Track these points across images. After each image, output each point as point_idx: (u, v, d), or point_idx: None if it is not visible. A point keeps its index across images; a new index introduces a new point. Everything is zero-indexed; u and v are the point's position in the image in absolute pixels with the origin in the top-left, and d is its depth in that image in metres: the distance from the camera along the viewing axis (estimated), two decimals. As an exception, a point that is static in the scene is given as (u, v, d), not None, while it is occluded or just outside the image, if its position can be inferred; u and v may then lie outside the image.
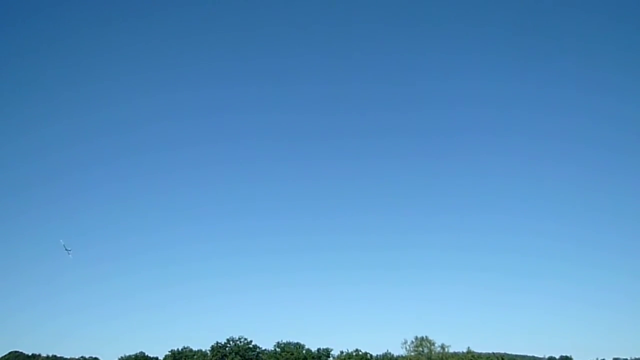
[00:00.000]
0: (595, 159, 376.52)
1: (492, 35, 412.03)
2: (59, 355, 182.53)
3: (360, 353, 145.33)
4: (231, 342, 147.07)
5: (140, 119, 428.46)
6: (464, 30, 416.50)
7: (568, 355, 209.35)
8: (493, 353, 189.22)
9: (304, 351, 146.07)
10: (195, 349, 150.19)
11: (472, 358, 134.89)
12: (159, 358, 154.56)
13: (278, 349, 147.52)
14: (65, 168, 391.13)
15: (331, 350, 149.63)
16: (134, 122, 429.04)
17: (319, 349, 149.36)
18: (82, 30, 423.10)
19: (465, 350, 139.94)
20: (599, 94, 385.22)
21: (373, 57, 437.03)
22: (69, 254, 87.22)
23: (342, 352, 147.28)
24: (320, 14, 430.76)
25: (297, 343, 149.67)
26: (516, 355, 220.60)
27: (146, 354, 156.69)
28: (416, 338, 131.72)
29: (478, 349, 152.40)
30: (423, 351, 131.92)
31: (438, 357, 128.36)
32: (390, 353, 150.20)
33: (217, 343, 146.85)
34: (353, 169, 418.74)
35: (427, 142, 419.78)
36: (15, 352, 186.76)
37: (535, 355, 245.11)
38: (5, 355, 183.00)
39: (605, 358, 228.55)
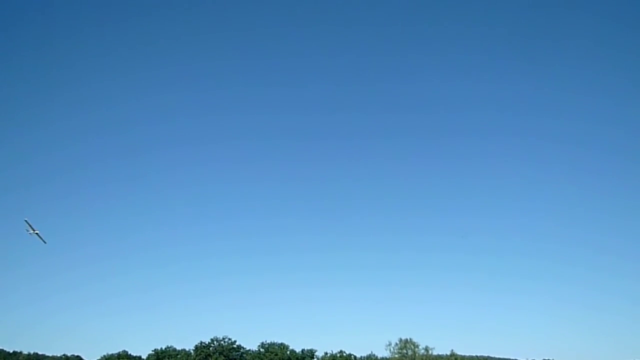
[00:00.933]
0: (596, 161, 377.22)
1: (494, 37, 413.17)
2: (40, 353, 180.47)
3: (344, 354, 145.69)
4: (215, 342, 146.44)
5: (139, 118, 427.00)
6: (467, 31, 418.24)
7: (551, 359, 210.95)
8: (477, 356, 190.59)
9: (288, 352, 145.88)
10: (178, 348, 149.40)
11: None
12: (142, 357, 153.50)
13: (262, 349, 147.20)
14: (61, 167, 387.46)
15: (315, 351, 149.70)
16: (133, 122, 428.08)
17: (303, 350, 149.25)
18: (83, 30, 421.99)
19: (448, 353, 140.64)
20: (601, 96, 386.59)
21: (374, 58, 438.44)
22: (31, 234, 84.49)
23: (326, 353, 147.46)
24: (321, 14, 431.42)
25: (282, 343, 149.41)
26: (500, 359, 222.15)
27: (129, 352, 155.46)
28: (400, 340, 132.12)
29: (462, 351, 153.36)
30: (407, 353, 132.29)
31: (422, 359, 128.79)
32: (374, 355, 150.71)
33: (201, 343, 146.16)
34: (340, 170, 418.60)
35: (428, 144, 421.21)
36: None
37: (518, 359, 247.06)
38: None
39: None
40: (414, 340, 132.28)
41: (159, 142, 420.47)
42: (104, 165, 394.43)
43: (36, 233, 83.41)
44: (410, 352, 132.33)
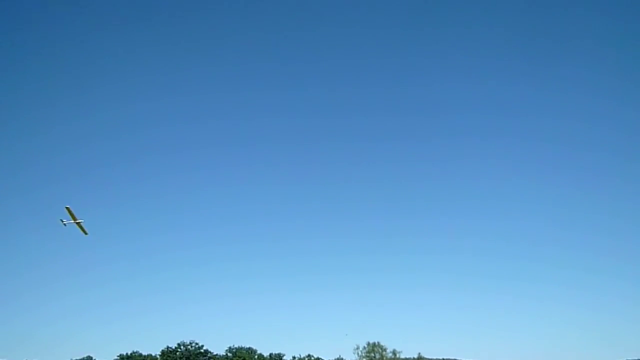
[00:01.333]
0: (597, 162, 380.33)
1: (494, 37, 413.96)
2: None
3: (312, 358, 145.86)
4: (182, 347, 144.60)
5: (138, 122, 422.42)
6: (468, 32, 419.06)
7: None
8: (444, 359, 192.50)
9: (256, 356, 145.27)
10: (144, 353, 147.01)
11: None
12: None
13: (230, 354, 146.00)
14: (64, 171, 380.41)
15: (284, 355, 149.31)
16: (134, 125, 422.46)
17: (271, 354, 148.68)
18: (86, 32, 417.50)
19: (416, 356, 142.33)
20: (603, 97, 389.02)
21: (373, 59, 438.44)
22: (66, 225, 77.86)
23: (294, 358, 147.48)
24: (320, 15, 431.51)
25: (250, 348, 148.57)
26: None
27: (94, 358, 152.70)
28: (368, 344, 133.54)
29: (429, 354, 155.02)
30: (375, 357, 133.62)
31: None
32: (342, 358, 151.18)
33: (168, 347, 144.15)
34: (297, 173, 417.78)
35: (428, 146, 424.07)
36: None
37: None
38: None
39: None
40: (382, 343, 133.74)
41: (160, 144, 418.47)
42: (103, 169, 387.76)
43: (77, 223, 75.58)
44: (378, 356, 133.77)
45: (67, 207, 72.03)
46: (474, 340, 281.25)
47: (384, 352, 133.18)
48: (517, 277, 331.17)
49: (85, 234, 76.00)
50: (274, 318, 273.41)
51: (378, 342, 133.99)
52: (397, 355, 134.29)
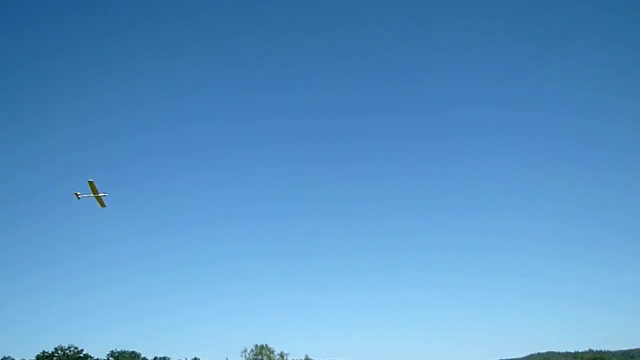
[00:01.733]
0: (599, 158, 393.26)
1: (495, 33, 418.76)
2: None
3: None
4: (59, 351, 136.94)
5: (138, 123, 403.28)
6: (465, 28, 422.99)
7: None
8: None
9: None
10: (17, 359, 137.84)
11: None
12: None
13: (112, 358, 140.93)
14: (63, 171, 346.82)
15: (169, 358, 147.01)
16: (134, 127, 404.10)
17: (156, 358, 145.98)
18: (88, 35, 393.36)
19: (303, 358, 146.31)
20: (603, 92, 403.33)
21: (373, 58, 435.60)
22: (82, 198, 71.66)
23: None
24: (320, 15, 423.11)
25: (133, 352, 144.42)
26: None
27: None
28: (256, 346, 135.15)
29: (316, 355, 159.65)
30: (262, 359, 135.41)
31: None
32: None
33: (44, 352, 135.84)
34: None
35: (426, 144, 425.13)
36: None
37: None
38: None
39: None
40: (270, 346, 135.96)
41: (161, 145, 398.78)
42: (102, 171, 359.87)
43: (98, 196, 69.77)
44: (265, 358, 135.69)
45: (90, 181, 68.60)
46: (358, 341, 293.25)
47: (271, 355, 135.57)
48: (396, 283, 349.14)
49: (103, 206, 72.04)
50: (160, 321, 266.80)
51: (266, 345, 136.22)
52: (285, 358, 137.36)
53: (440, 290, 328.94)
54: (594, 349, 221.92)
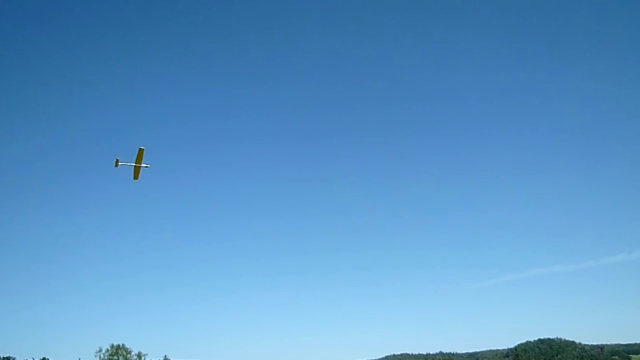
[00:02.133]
0: (601, 150, 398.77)
1: (498, 27, 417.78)
2: None
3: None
4: None
5: (138, 122, 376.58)
6: (465, 23, 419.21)
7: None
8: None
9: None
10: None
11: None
12: None
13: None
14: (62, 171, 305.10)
15: (14, 358, 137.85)
16: (134, 126, 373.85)
17: (2, 358, 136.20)
18: (89, 34, 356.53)
19: (162, 358, 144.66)
20: (605, 86, 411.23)
21: (372, 54, 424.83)
22: (123, 165, 67.32)
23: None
24: (319, 15, 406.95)
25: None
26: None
27: None
28: (112, 346, 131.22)
29: (174, 356, 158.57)
30: (118, 359, 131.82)
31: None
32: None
33: None
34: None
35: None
36: None
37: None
38: None
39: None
40: (127, 346, 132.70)
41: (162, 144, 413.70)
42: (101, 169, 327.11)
43: (139, 166, 65.62)
44: (122, 359, 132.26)
45: (141, 148, 69.04)
46: (216, 342, 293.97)
47: (128, 355, 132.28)
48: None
49: (136, 178, 71.62)
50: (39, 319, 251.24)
51: (122, 345, 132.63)
52: (143, 358, 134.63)
53: (314, 292, 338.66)
54: (444, 352, 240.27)
